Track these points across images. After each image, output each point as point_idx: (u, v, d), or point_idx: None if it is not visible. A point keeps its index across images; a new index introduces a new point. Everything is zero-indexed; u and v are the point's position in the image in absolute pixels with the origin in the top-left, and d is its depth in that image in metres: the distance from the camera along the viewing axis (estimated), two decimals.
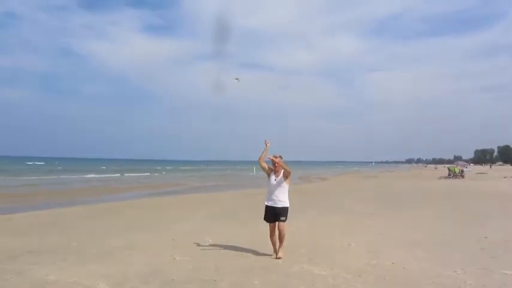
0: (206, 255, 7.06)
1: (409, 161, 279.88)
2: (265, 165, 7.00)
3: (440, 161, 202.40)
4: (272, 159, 6.84)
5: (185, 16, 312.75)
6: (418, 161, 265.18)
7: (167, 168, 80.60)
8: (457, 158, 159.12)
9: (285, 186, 6.86)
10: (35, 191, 26.15)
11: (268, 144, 6.87)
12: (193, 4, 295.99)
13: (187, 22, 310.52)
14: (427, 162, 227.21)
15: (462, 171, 44.66)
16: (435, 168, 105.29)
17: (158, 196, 22.81)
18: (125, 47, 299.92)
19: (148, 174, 55.10)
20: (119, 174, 51.10)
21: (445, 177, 41.90)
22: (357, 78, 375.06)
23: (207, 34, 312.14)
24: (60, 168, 68.13)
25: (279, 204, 6.78)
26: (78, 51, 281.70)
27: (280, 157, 6.93)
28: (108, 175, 49.31)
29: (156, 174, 56.53)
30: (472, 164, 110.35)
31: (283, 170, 6.86)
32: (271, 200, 6.85)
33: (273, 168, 6.94)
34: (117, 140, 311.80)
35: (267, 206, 6.87)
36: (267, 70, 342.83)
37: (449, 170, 44.89)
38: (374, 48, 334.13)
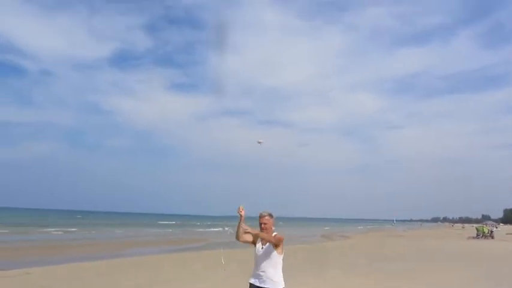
0: None
1: (435, 220, 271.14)
2: (247, 237, 4.89)
3: (468, 220, 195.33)
4: (260, 220, 4.93)
5: (209, 74, 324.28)
6: (444, 219, 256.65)
7: (191, 222, 79.89)
8: (485, 218, 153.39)
9: (276, 256, 4.78)
10: (54, 244, 26.20)
11: (242, 213, 4.87)
12: (217, 63, 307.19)
13: (210, 80, 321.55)
14: (454, 221, 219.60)
15: (491, 231, 42.85)
16: (462, 227, 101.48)
17: (181, 251, 22.49)
18: (150, 103, 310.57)
19: (170, 230, 54.89)
20: (140, 228, 51.09)
21: (474, 238, 40.22)
22: (378, 135, 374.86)
23: (229, 92, 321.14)
24: (84, 221, 68.45)
25: (268, 284, 4.73)
26: (106, 108, 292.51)
27: (270, 216, 4.95)
28: (131, 228, 49.31)
29: (174, 229, 56.15)
30: (501, 224, 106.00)
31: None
32: (257, 276, 4.83)
33: (261, 230, 4.90)
34: (139, 193, 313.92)
35: (251, 285, 4.84)
36: (287, 127, 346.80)
37: (477, 230, 43.16)
38: (394, 105, 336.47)
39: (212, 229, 57.49)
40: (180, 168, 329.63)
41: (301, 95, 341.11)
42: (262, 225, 4.88)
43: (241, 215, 4.84)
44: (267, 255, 4.80)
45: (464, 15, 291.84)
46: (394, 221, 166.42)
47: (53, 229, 41.88)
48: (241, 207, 4.90)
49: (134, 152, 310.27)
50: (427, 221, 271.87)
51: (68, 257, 18.51)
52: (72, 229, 44.46)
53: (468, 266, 16.52)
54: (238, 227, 4.84)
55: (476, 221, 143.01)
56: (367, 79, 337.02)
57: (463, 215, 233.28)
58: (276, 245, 4.77)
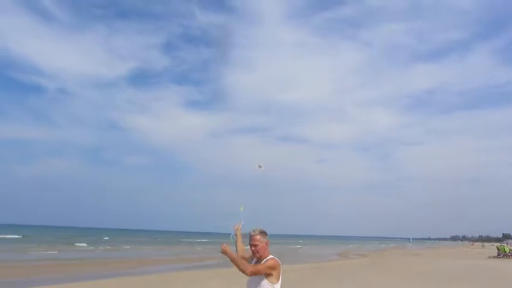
0: None
1: (454, 238, 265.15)
2: (250, 267, 3.87)
3: (488, 239, 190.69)
4: (249, 241, 4.09)
5: (225, 92, 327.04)
6: (464, 238, 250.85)
7: (204, 239, 79.63)
8: (506, 236, 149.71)
9: (268, 285, 3.89)
10: (69, 262, 26.38)
11: (238, 228, 4.53)
12: (233, 81, 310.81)
13: (226, 97, 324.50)
14: (473, 239, 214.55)
15: None
16: (482, 246, 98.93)
17: (195, 269, 22.39)
18: (166, 121, 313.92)
19: (187, 247, 54.79)
20: (155, 245, 51.20)
21: (495, 257, 39.13)
22: (395, 152, 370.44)
23: (245, 109, 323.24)
24: (100, 239, 68.83)
25: None
26: (123, 125, 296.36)
27: (262, 234, 4.09)
28: (146, 246, 49.43)
29: (190, 246, 56.01)
30: None
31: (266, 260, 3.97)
32: None
33: (252, 253, 4.10)
34: (154, 211, 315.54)
35: None
36: (303, 143, 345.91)
37: (498, 249, 42.00)
38: (411, 122, 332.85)
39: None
40: (195, 185, 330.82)
41: (317, 112, 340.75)
42: (253, 248, 4.04)
43: (236, 236, 4.49)
44: (257, 282, 3.91)
45: (480, 30, 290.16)
46: (411, 240, 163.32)
47: (80, 245, 42.61)
48: (236, 226, 4.52)
49: (150, 169, 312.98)
50: (445, 239, 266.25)
51: (83, 274, 18.56)
52: (90, 247, 44.91)
53: (491, 287, 16.04)
54: (239, 248, 4.44)
55: (497, 240, 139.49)
56: (383, 95, 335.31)
57: (483, 233, 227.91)
58: (266, 274, 3.89)
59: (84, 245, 46.21)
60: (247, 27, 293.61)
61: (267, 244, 4.06)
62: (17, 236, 59.26)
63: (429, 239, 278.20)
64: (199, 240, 78.67)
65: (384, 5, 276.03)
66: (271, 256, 3.98)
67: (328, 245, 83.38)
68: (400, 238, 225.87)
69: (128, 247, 45.98)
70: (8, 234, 59.35)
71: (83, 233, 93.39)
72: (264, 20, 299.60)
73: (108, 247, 44.72)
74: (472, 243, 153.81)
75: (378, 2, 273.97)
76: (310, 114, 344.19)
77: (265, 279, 3.87)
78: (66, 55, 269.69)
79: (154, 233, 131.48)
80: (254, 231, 4.07)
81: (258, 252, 4.01)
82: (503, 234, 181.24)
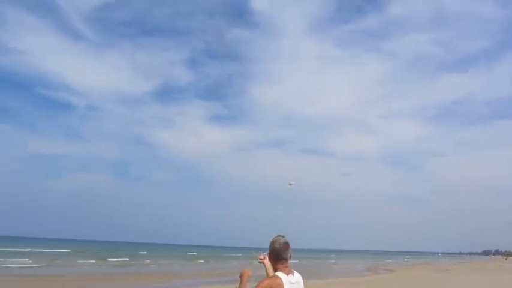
0: None
1: (486, 253, 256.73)
2: None
3: None
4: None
5: (248, 106, 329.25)
6: (497, 252, 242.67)
7: (231, 254, 79.97)
8: None
9: None
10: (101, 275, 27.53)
11: (265, 260, 3.74)
12: (257, 94, 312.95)
13: (250, 111, 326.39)
14: (507, 254, 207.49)
15: None
16: None
17: (223, 284, 23.00)
18: (191, 136, 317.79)
19: (212, 261, 55.42)
20: (182, 260, 52.00)
21: None
22: (423, 164, 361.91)
23: (268, 122, 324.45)
24: (130, 252, 70.14)
25: None
26: (149, 140, 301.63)
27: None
28: (173, 260, 50.38)
29: (215, 260, 56.58)
30: None
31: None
32: None
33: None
34: (180, 225, 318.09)
35: None
36: (328, 156, 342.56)
37: None
38: (438, 133, 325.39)
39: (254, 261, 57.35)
40: (220, 199, 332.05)
41: (342, 124, 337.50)
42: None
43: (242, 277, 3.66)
44: None
45: (507, 39, 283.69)
46: (440, 254, 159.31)
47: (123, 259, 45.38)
48: (261, 256, 3.87)
49: (176, 184, 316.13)
50: (477, 254, 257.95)
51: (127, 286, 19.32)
52: (120, 259, 46.53)
53: None
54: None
55: None
56: (409, 106, 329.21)
57: None
58: None
59: (126, 259, 47.87)
60: (270, 40, 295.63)
61: (269, 258, 3.58)
62: (66, 250, 60.92)
63: (460, 253, 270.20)
64: (229, 254, 79.00)
65: (408, 15, 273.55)
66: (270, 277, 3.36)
67: (354, 259, 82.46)
68: (430, 252, 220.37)
69: (167, 261, 47.41)
70: (57, 249, 62.01)
71: (115, 246, 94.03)
72: (286, 33, 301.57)
73: (148, 261, 47.20)
74: (505, 257, 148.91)
75: (401, 13, 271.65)
76: (335, 126, 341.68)
77: None
78: (94, 72, 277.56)
79: (183, 247, 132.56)
80: (261, 254, 3.82)
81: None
82: None
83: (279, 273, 3.34)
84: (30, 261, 36.53)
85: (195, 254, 74.82)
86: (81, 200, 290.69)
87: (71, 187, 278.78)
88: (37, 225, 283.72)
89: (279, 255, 3.44)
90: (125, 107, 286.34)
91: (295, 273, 3.46)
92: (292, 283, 3.33)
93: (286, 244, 3.49)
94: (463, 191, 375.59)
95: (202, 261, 53.53)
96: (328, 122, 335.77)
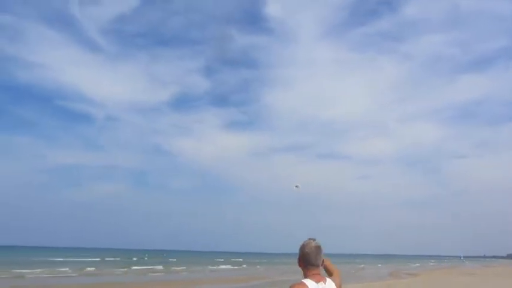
0: None
1: (511, 256, 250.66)
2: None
3: None
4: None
5: (264, 111, 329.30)
6: None
7: (250, 260, 79.42)
8: None
9: None
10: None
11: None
12: (272, 100, 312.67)
13: (266, 117, 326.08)
14: None
15: None
16: None
17: None
18: (208, 143, 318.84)
19: (232, 267, 55.19)
20: (203, 266, 51.99)
21: None
22: (442, 166, 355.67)
23: (284, 128, 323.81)
24: (152, 260, 70.07)
25: None
26: (166, 148, 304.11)
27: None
28: (193, 267, 50.31)
29: (235, 267, 56.19)
30: None
31: None
32: None
33: None
34: (199, 231, 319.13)
35: None
36: (345, 160, 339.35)
37: None
38: (457, 134, 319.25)
39: (272, 266, 56.92)
40: (238, 205, 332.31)
41: (359, 127, 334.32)
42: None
43: None
44: None
45: None
46: (462, 258, 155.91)
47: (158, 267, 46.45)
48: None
49: (194, 191, 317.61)
50: (502, 257, 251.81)
51: None
52: (155, 266, 47.53)
53: None
54: None
55: None
56: (427, 108, 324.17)
57: None
58: None
59: (160, 267, 48.12)
60: (284, 46, 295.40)
61: (299, 263, 3.13)
62: (96, 259, 61.25)
63: (484, 256, 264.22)
64: (251, 260, 78.59)
65: (423, 16, 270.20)
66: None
67: (375, 264, 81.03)
68: (452, 256, 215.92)
69: (198, 268, 48.16)
70: (86, 258, 62.78)
71: (137, 254, 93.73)
72: (300, 38, 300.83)
73: (177, 268, 47.57)
74: None
75: (416, 14, 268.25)
76: (351, 130, 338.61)
77: None
78: (111, 83, 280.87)
79: (207, 254, 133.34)
80: None
81: None
82: None
83: (307, 280, 2.94)
84: (70, 271, 36.81)
85: (222, 260, 74.74)
86: (100, 209, 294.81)
87: (90, 197, 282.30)
88: (57, 235, 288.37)
89: (309, 260, 3.02)
90: (142, 116, 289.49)
91: (328, 280, 3.02)
92: None
93: (318, 248, 3.07)
94: (484, 193, 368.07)
95: (220, 266, 52.95)
96: (345, 126, 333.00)
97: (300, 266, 3.08)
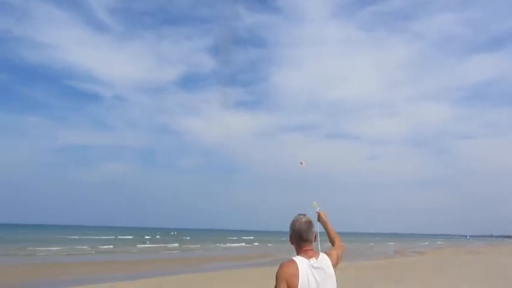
0: None
1: None
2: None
3: None
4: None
5: (272, 91, 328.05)
6: None
7: (258, 238, 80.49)
8: None
9: None
10: (136, 259, 28.32)
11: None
12: (281, 79, 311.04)
13: (274, 96, 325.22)
14: None
15: None
16: None
17: (253, 267, 23.22)
18: (215, 122, 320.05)
19: (240, 245, 56.38)
20: (210, 244, 53.14)
21: None
22: (451, 146, 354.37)
23: (293, 107, 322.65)
24: (159, 238, 71.63)
25: None
26: (174, 128, 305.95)
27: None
28: (202, 245, 51.51)
29: (243, 244, 57.35)
30: None
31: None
32: None
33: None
34: (205, 210, 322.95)
35: None
36: (354, 140, 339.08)
37: None
38: (467, 115, 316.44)
39: (283, 245, 57.98)
40: (245, 184, 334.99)
41: (368, 107, 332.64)
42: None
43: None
44: None
45: None
46: (468, 237, 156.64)
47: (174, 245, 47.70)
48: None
49: (201, 170, 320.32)
50: (509, 237, 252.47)
51: (152, 271, 19.82)
52: (173, 244, 48.98)
53: None
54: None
55: None
56: (437, 88, 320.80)
57: None
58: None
59: (176, 245, 49.35)
60: (293, 25, 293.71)
61: (291, 241, 3.00)
62: (111, 237, 62.67)
63: (491, 236, 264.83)
64: (254, 237, 79.83)
65: None
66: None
67: (382, 242, 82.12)
68: (459, 235, 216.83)
69: (213, 245, 49.59)
70: (101, 236, 64.54)
71: (152, 233, 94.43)
72: (309, 17, 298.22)
73: (191, 246, 49.04)
74: None
75: None
76: (360, 110, 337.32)
77: None
78: (119, 63, 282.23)
79: (216, 231, 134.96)
80: None
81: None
82: None
83: (297, 258, 2.82)
84: (89, 248, 37.95)
85: (234, 238, 75.97)
86: (108, 188, 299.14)
87: (99, 176, 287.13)
88: (67, 214, 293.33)
89: (300, 236, 2.89)
90: (149, 96, 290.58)
91: (321, 256, 2.85)
92: (315, 268, 2.77)
93: (309, 223, 2.95)
94: (492, 173, 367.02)
95: (229, 245, 54.19)
96: (354, 106, 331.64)
97: (291, 243, 2.97)
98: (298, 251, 2.88)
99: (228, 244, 56.52)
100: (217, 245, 53.45)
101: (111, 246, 41.85)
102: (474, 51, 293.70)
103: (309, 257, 2.80)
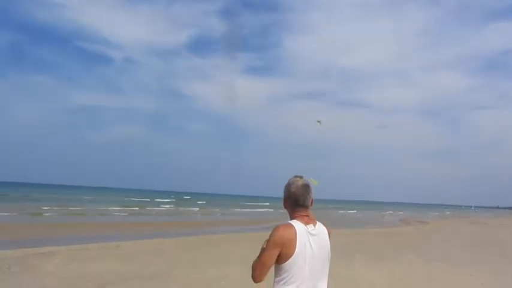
0: None
1: None
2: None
3: None
4: None
5: (283, 57, 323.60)
6: None
7: (266, 203, 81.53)
8: None
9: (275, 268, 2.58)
10: (144, 221, 30.14)
11: None
12: (292, 45, 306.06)
13: (286, 62, 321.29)
14: None
15: None
16: None
17: (257, 231, 24.23)
18: (225, 87, 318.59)
19: (246, 210, 57.51)
20: (217, 208, 54.24)
21: None
22: (463, 117, 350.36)
23: (304, 74, 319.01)
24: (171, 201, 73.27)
25: None
26: (185, 92, 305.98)
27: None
28: (209, 209, 53.04)
29: (250, 209, 58.59)
30: None
31: None
32: None
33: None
34: (214, 175, 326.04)
35: None
36: (365, 108, 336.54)
37: None
38: (482, 85, 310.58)
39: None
40: (255, 150, 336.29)
41: (381, 75, 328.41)
42: None
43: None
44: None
45: None
46: (473, 207, 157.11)
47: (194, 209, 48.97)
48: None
49: (211, 135, 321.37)
50: None
51: (155, 233, 20.29)
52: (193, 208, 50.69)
53: None
54: None
55: None
56: (452, 57, 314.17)
57: None
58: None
59: (196, 209, 50.48)
60: None
61: (284, 205, 2.75)
62: (172, 199, 65.78)
63: (498, 207, 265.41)
64: (259, 203, 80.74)
65: None
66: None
67: (388, 211, 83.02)
68: (465, 206, 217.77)
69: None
70: (162, 198, 67.57)
71: (165, 196, 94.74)
72: None
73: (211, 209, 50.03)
74: None
75: None
76: (373, 78, 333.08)
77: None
78: (130, 25, 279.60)
79: (214, 196, 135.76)
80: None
81: None
82: None
83: (294, 222, 2.58)
84: (121, 209, 39.44)
85: (251, 203, 76.24)
86: (119, 151, 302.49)
87: (109, 138, 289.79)
88: (78, 175, 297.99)
89: (296, 200, 2.64)
90: (160, 59, 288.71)
91: (318, 223, 2.66)
92: (312, 234, 2.57)
93: (306, 187, 2.67)
94: (503, 145, 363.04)
95: (236, 209, 55.28)
96: (366, 74, 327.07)
97: (285, 207, 2.71)
98: (294, 216, 2.64)
99: (250, 209, 57.22)
100: (238, 209, 54.04)
101: (137, 208, 43.56)
102: (492, 19, 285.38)
103: (306, 223, 2.58)
